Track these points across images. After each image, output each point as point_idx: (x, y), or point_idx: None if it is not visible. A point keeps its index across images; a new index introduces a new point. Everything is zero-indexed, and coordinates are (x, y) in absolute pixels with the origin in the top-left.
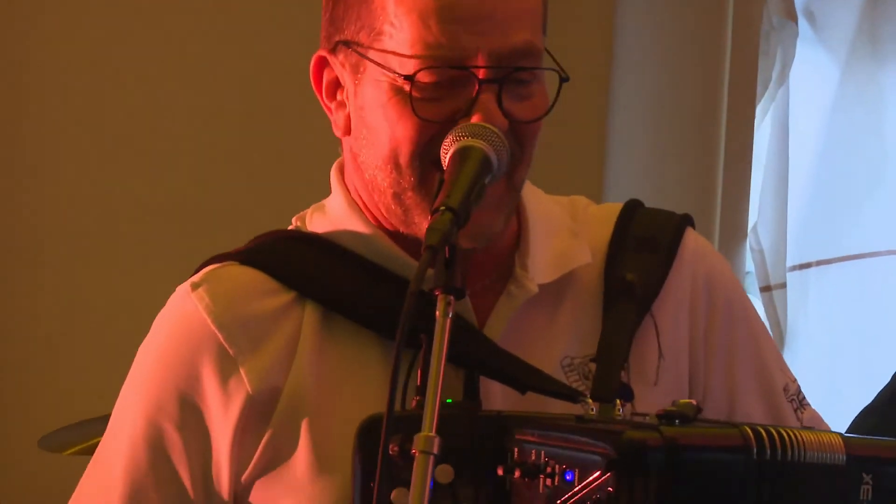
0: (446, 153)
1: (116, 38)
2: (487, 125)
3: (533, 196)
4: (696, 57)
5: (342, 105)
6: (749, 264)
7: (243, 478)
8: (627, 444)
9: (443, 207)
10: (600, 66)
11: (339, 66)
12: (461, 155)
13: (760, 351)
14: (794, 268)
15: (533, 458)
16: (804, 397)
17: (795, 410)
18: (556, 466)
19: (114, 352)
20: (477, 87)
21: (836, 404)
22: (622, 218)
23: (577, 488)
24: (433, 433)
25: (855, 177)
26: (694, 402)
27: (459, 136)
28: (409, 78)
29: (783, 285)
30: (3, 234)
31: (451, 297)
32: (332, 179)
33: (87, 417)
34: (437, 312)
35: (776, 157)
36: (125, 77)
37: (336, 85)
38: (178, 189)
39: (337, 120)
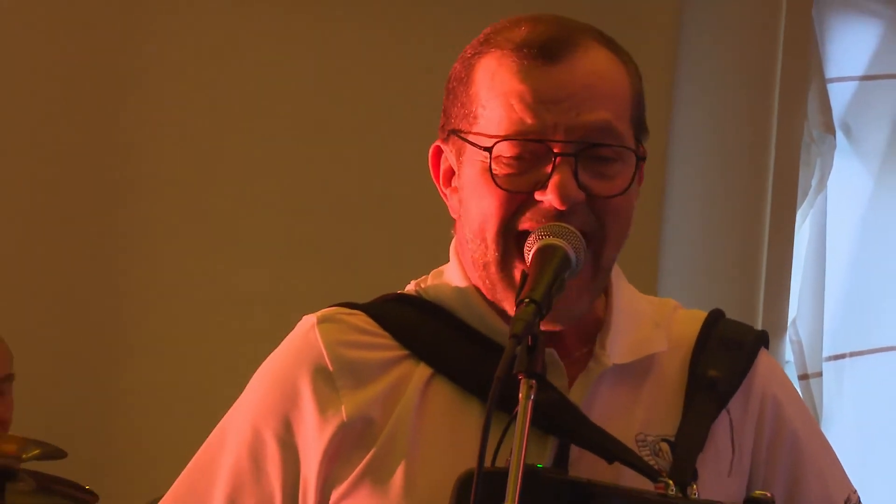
0: (529, 250)
1: (220, 110)
2: (567, 226)
3: (625, 289)
4: (743, 167)
5: (455, 191)
6: (788, 354)
7: (332, 498)
8: None
9: (526, 300)
10: (656, 174)
11: (450, 153)
12: (544, 253)
13: (824, 467)
14: (829, 358)
15: None
16: None
17: None
18: None
19: (218, 415)
20: (553, 160)
21: (868, 489)
22: (709, 320)
23: None
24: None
25: (886, 277)
26: (769, 494)
27: (542, 235)
28: (487, 150)
29: (819, 374)
30: (115, 310)
31: (533, 383)
32: (451, 252)
33: None
34: (520, 395)
35: (814, 258)
36: (229, 150)
37: (451, 173)
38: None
39: (453, 204)
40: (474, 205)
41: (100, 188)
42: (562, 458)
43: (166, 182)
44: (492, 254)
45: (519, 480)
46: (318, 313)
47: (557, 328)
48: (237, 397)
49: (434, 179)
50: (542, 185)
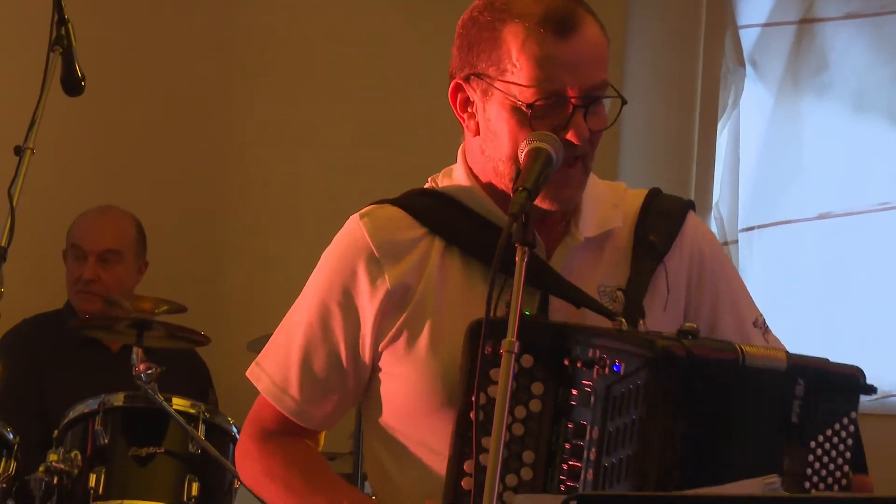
0: (522, 151)
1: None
2: (550, 133)
3: (591, 180)
4: (678, 90)
5: (472, 116)
6: (714, 227)
7: (380, 346)
8: (661, 349)
9: (521, 188)
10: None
11: (472, 90)
12: (533, 153)
13: (736, 297)
14: (743, 230)
15: (590, 353)
16: (767, 326)
17: (763, 335)
18: (607, 360)
19: (302, 276)
20: (571, 109)
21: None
22: (648, 197)
23: (623, 374)
24: (515, 339)
25: (783, 169)
26: (695, 325)
27: (531, 140)
28: (530, 106)
29: (736, 241)
30: (223, 201)
31: (526, 249)
32: (458, 156)
33: None
34: (517, 258)
35: (731, 156)
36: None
37: (467, 102)
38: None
39: (469, 125)
40: (505, 136)
41: (222, 115)
42: (543, 307)
43: (274, 101)
44: (519, 167)
45: (517, 318)
46: (361, 211)
47: (561, 208)
48: (312, 265)
49: (452, 106)
50: (562, 127)
